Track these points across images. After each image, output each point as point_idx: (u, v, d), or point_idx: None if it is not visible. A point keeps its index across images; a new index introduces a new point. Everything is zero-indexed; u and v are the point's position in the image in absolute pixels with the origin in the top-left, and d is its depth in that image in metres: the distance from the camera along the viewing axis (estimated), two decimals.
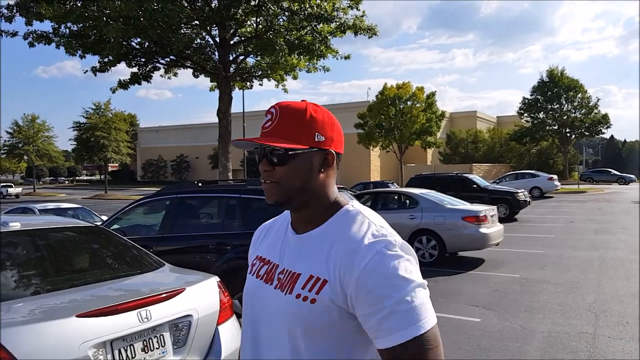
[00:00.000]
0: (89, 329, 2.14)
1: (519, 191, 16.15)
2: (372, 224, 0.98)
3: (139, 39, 12.17)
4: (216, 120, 13.65)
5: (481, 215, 8.23)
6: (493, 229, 8.43)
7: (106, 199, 35.60)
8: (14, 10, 10.68)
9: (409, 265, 0.92)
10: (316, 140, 1.00)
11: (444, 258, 8.22)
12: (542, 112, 39.60)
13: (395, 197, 10.03)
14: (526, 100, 40.32)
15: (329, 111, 1.04)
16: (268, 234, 1.18)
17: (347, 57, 14.14)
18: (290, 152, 0.99)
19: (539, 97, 39.50)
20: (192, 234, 5.33)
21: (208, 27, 12.54)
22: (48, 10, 9.62)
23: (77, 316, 2.14)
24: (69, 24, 11.12)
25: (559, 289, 6.25)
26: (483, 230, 8.12)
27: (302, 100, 1.04)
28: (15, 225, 2.82)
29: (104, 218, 10.81)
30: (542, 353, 4.07)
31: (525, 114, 40.53)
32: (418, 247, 8.35)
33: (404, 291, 0.89)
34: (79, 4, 10.54)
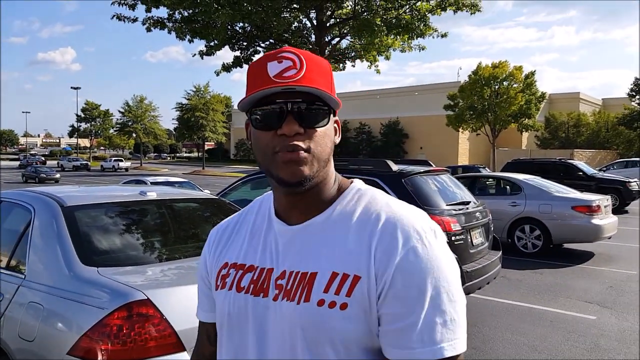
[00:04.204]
0: None
1: (631, 180, 14.65)
2: (403, 204, 0.78)
3: (242, 24, 12.69)
4: None
5: (594, 205, 7.59)
6: (606, 220, 7.75)
7: (203, 174, 38.09)
8: None
9: (456, 264, 0.75)
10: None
11: (548, 249, 7.73)
12: None
13: (495, 183, 9.57)
14: (638, 81, 36.00)
15: None
16: (234, 237, 0.88)
17: (444, 35, 13.55)
18: (333, 109, 0.79)
19: None
20: None
21: (307, 10, 12.70)
22: None
23: None
24: (181, 10, 11.93)
25: None
26: (596, 221, 7.49)
27: None
28: (152, 194, 3.11)
29: (207, 192, 11.54)
30: None
31: (638, 96, 36.26)
32: (519, 236, 7.92)
33: (450, 295, 0.70)
34: None
